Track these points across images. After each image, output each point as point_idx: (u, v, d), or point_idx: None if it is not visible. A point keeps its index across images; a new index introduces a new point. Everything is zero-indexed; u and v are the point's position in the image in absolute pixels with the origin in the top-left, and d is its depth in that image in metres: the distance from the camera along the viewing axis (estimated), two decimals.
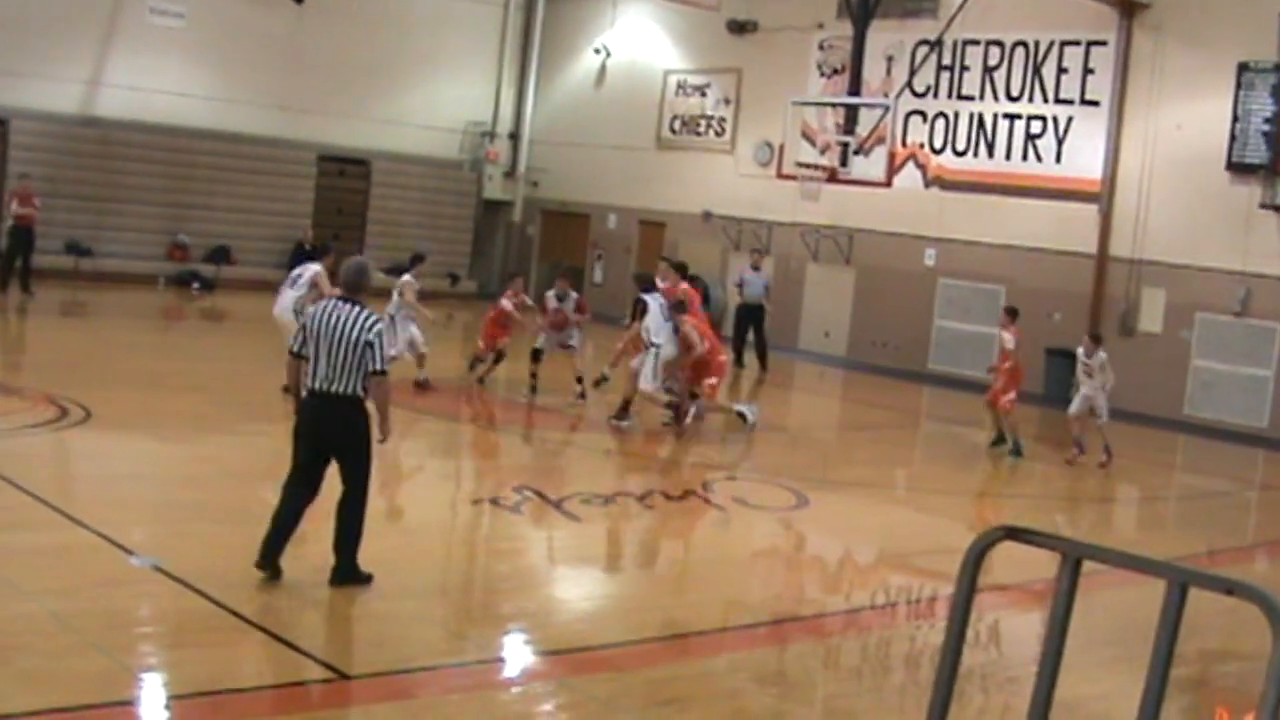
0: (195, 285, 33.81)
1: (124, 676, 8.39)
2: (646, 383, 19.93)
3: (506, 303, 22.72)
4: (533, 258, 40.41)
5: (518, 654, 9.84)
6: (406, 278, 21.48)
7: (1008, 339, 21.35)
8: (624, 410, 20.22)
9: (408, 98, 38.26)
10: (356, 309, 10.24)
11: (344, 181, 37.80)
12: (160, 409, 18.26)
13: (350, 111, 37.13)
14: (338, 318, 10.17)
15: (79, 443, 15.69)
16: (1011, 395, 21.18)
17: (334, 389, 10.14)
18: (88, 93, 33.57)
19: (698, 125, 36.46)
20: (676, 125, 37.00)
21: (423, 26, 38.03)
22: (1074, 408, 21.29)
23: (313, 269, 20.10)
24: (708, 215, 35.61)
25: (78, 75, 33.35)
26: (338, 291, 10.76)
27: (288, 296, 19.80)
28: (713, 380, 20.69)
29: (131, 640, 9.08)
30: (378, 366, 10.18)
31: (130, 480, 14.22)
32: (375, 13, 36.02)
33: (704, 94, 36.31)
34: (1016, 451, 21.14)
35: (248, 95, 35.51)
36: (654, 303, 20.18)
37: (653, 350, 19.87)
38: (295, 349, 10.33)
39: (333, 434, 10.26)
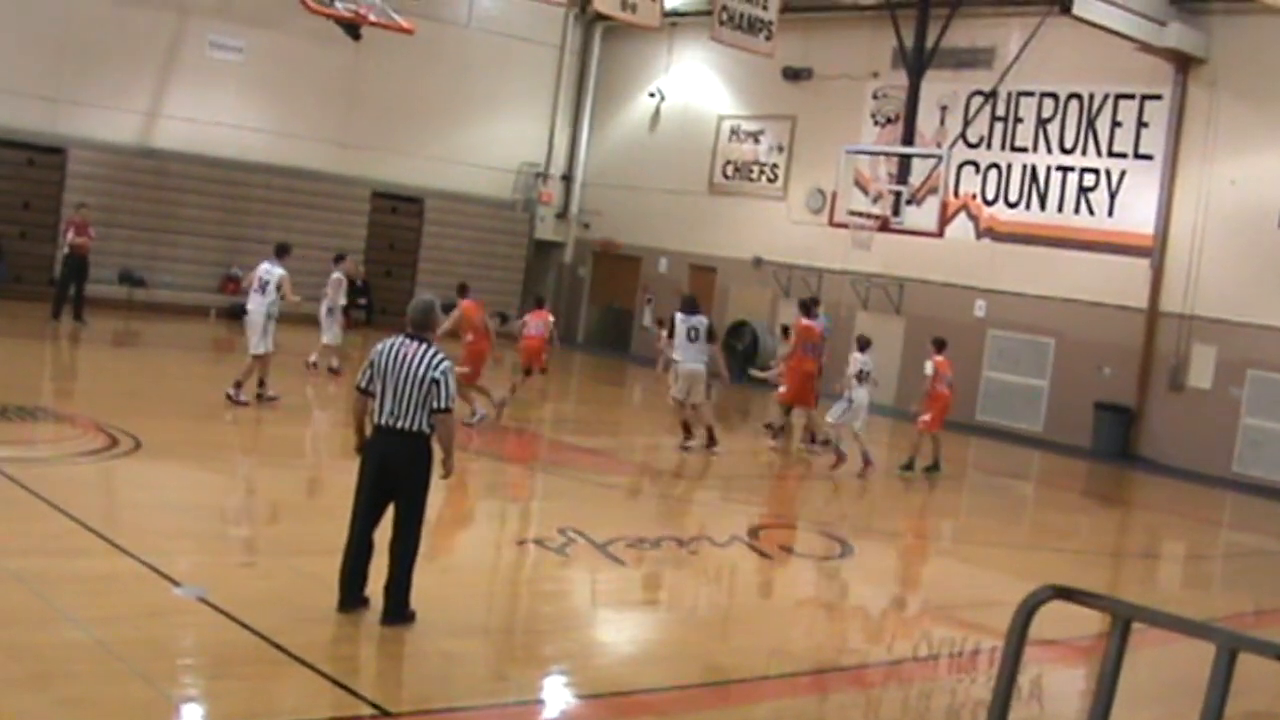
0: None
1: (165, 706, 8.38)
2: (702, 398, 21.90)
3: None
4: (583, 299, 40.46)
5: (558, 696, 9.78)
6: (284, 272, 21.60)
7: (928, 366, 21.81)
8: (710, 438, 21.82)
9: (463, 137, 38.45)
10: (423, 346, 10.27)
11: (397, 219, 37.95)
12: (209, 440, 18.31)
13: (405, 149, 37.35)
14: (405, 354, 10.21)
15: (128, 471, 15.72)
16: (927, 416, 22.09)
17: (400, 425, 10.16)
18: (146, 124, 33.89)
19: (750, 171, 36.50)
20: (729, 170, 37.05)
21: (479, 66, 38.23)
22: (845, 415, 21.78)
23: (278, 273, 20.72)
24: (758, 261, 35.61)
25: (137, 106, 33.69)
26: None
27: (258, 301, 20.20)
28: None
29: (174, 670, 9.07)
30: (443, 404, 10.21)
31: (178, 510, 14.24)
32: (432, 52, 36.17)
33: (758, 140, 36.37)
34: (909, 466, 22.19)
35: (304, 130, 35.77)
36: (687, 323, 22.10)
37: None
38: (362, 385, 10.36)
39: (398, 470, 10.27)
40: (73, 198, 31.46)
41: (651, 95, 39.12)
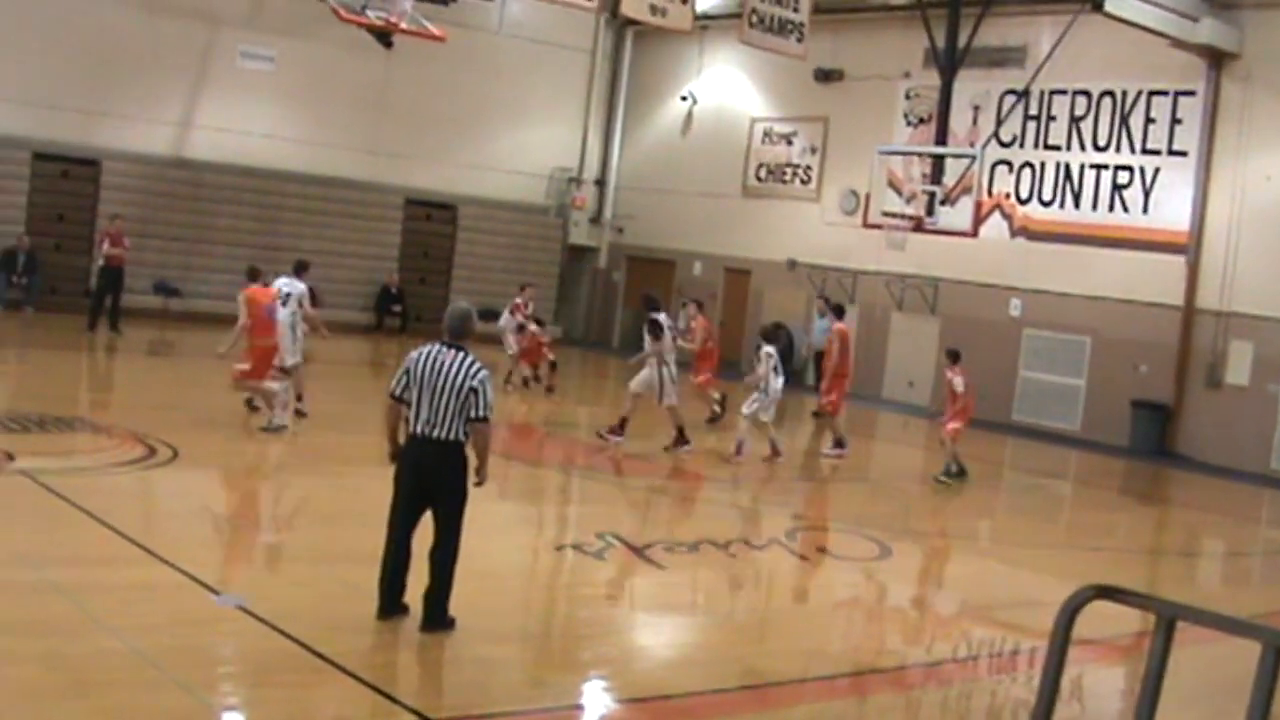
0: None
1: (205, 714, 8.40)
2: (675, 399, 21.53)
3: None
4: (618, 303, 40.44)
5: (597, 701, 9.77)
6: (305, 288, 21.40)
7: (957, 383, 21.28)
8: (680, 437, 21.47)
9: (495, 143, 38.49)
10: (460, 354, 10.28)
11: (431, 226, 38.02)
12: (246, 450, 18.36)
13: (438, 156, 37.41)
14: (442, 362, 10.22)
15: (166, 482, 15.77)
16: (958, 424, 21.41)
17: (436, 434, 10.17)
18: (179, 135, 34.01)
19: (783, 173, 36.45)
20: (762, 173, 37.00)
21: (511, 72, 38.23)
22: (761, 406, 21.30)
23: (300, 288, 20.66)
24: (792, 264, 35.55)
25: (169, 117, 33.82)
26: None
27: (283, 314, 20.16)
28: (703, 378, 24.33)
29: (213, 679, 9.09)
30: (482, 412, 10.23)
31: (216, 519, 14.28)
32: (464, 58, 36.19)
33: (790, 142, 36.32)
34: (957, 473, 21.49)
35: (337, 139, 35.85)
36: (667, 322, 22.01)
37: (667, 368, 21.52)
38: (397, 393, 10.36)
39: (434, 478, 10.27)
40: (107, 209, 31.60)
41: (683, 99, 39.10)
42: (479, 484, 10.53)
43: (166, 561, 11.52)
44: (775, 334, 22.89)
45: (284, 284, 20.69)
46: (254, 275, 20.02)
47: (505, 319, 27.71)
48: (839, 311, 24.29)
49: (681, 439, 21.40)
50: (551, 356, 27.55)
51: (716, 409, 24.87)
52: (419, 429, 10.21)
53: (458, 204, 38.15)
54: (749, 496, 19.76)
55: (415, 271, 37.44)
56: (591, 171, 40.71)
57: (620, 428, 21.47)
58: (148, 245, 32.19)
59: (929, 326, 32.54)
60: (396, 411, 10.44)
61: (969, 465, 21.78)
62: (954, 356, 21.75)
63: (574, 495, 19.13)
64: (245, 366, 19.23)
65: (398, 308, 36.53)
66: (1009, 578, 16.11)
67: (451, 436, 10.19)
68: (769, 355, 21.35)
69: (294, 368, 20.57)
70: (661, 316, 22.02)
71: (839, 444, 23.06)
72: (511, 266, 37.88)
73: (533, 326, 27.34)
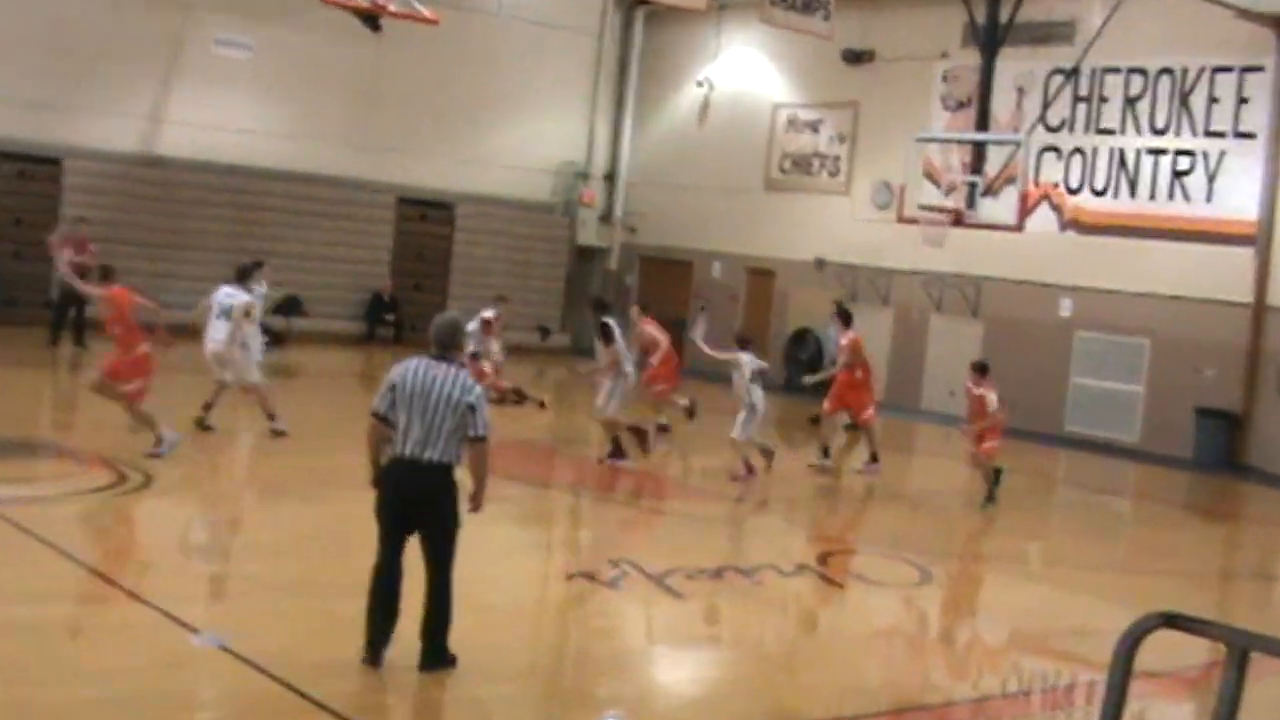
0: (264, 339, 33.95)
1: None
2: (614, 411, 21.42)
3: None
4: (629, 308, 40.38)
5: None
6: (249, 298, 21.47)
7: (991, 399, 21.00)
8: (615, 448, 21.39)
9: (495, 136, 38.52)
10: (452, 368, 10.24)
11: (426, 226, 38.06)
12: (225, 473, 18.38)
13: (433, 150, 37.43)
14: (433, 378, 10.14)
15: (138, 510, 15.79)
16: (994, 443, 21.19)
17: (428, 456, 10.08)
18: (148, 130, 34.02)
19: (810, 164, 36.44)
20: (787, 164, 37.00)
21: (511, 58, 38.26)
22: (751, 424, 21.08)
23: (243, 299, 20.58)
24: (821, 263, 35.52)
25: (137, 111, 33.82)
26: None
27: (222, 329, 20.11)
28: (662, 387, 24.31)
29: None
30: (480, 431, 10.19)
31: (194, 551, 14.29)
32: (460, 43, 36.22)
33: (817, 130, 36.30)
34: (992, 493, 21.20)
35: (321, 133, 35.87)
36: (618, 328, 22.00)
37: (623, 377, 21.52)
38: (381, 411, 10.25)
39: (423, 506, 10.19)
40: (70, 213, 31.57)
41: (700, 85, 39.10)
42: (475, 509, 10.49)
43: (141, 598, 11.52)
44: (751, 339, 22.71)
45: (225, 296, 20.66)
46: (106, 274, 19.48)
47: (474, 331, 27.46)
48: (846, 318, 24.09)
49: (617, 452, 21.36)
50: (505, 386, 27.21)
51: (665, 421, 24.85)
52: (408, 450, 10.12)
53: (455, 202, 38.20)
54: (776, 517, 19.75)
55: (409, 277, 37.47)
56: (600, 165, 40.75)
57: (620, 450, 21.49)
58: (115, 251, 31.95)
59: (971, 330, 32.48)
60: (380, 432, 10.33)
61: (1007, 477, 21.66)
62: (982, 370, 21.55)
63: (585, 519, 19.14)
64: (133, 386, 18.63)
65: (391, 316, 36.54)
66: (1063, 604, 16.06)
67: (443, 459, 10.13)
68: (754, 367, 21.18)
69: (253, 387, 20.63)
70: (613, 321, 22.08)
71: (874, 458, 23.10)
72: (514, 270, 37.93)
73: (494, 350, 26.98)
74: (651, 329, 24.26)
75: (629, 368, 21.84)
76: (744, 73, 38.18)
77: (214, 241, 33.85)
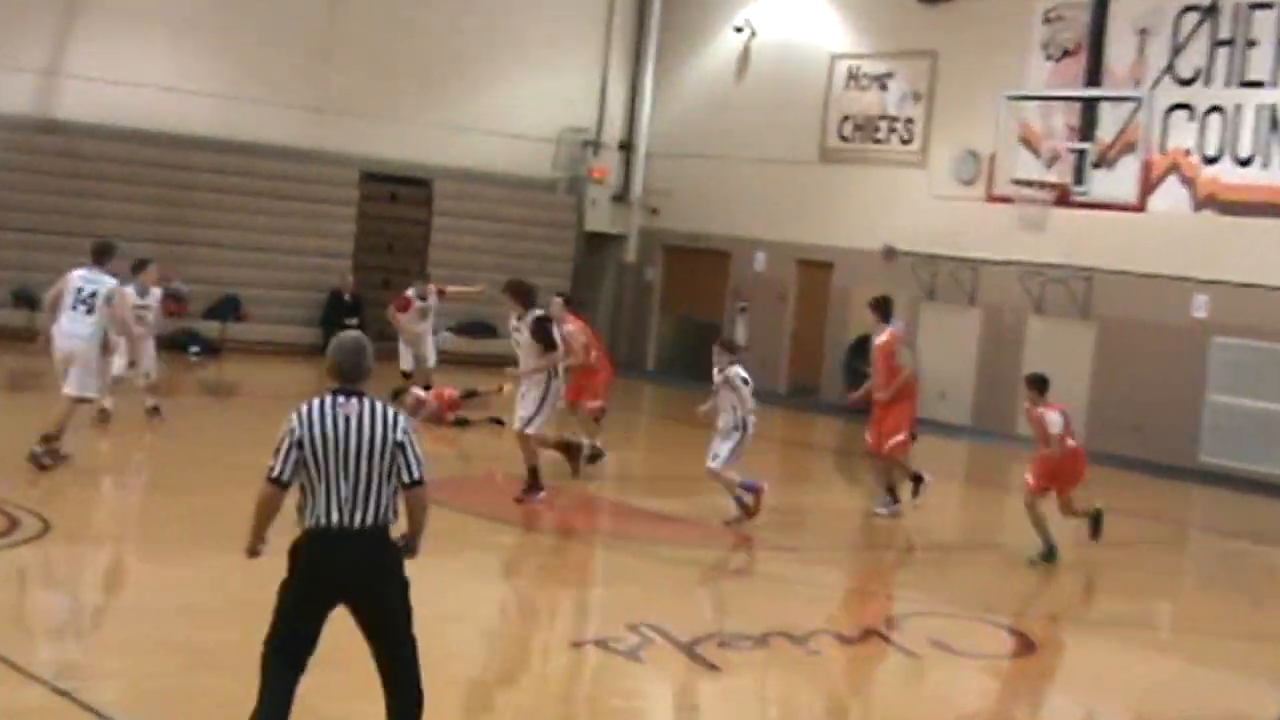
0: (194, 349, 34.03)
1: None
2: (537, 427, 21.04)
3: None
4: (653, 310, 40.34)
5: None
6: (129, 288, 21.50)
7: (1053, 420, 20.74)
8: (536, 482, 20.88)
9: (483, 96, 38.55)
10: (367, 403, 9.78)
11: (396, 208, 38.06)
12: (140, 516, 18.28)
13: (405, 115, 37.47)
14: (348, 419, 9.67)
15: (33, 564, 15.71)
16: (1067, 487, 20.73)
17: (360, 520, 9.63)
18: (43, 87, 34.05)
19: (876, 129, 36.36)
20: (847, 130, 36.93)
21: (503, 2, 38.22)
22: (739, 451, 20.66)
23: (109, 284, 20.33)
24: (890, 252, 35.42)
25: (29, 64, 33.82)
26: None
27: (85, 325, 19.95)
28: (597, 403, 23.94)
29: None
30: (415, 473, 9.80)
31: (103, 615, 14.19)
32: None
33: (885, 86, 36.21)
34: (1048, 554, 20.52)
35: (266, 92, 35.88)
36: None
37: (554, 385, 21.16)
38: (284, 476, 9.67)
39: (366, 584, 9.74)
40: None
41: (738, 30, 39.05)
42: (411, 557, 10.13)
43: (36, 677, 11.43)
44: (735, 345, 22.40)
45: (80, 279, 20.47)
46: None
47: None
48: (885, 311, 23.60)
49: (535, 485, 20.91)
50: (453, 395, 27.28)
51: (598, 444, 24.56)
52: (333, 517, 9.61)
53: (432, 178, 38.33)
54: (833, 570, 19.63)
55: (376, 271, 37.40)
56: (614, 133, 40.82)
57: (536, 484, 21.04)
58: (4, 241, 32.13)
59: (1080, 334, 32.33)
60: (277, 500, 9.76)
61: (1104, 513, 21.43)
62: (1041, 385, 21.30)
63: (595, 571, 19.07)
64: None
65: (353, 321, 36.20)
66: (1202, 681, 15.94)
67: (381, 519, 9.71)
68: (742, 380, 20.89)
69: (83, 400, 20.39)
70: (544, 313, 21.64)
71: (905, 493, 22.73)
72: (506, 263, 37.50)
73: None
74: (576, 329, 23.90)
75: (560, 375, 21.43)
76: (793, 14, 38.14)
77: (130, 228, 33.44)
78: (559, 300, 24.27)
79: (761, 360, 34.99)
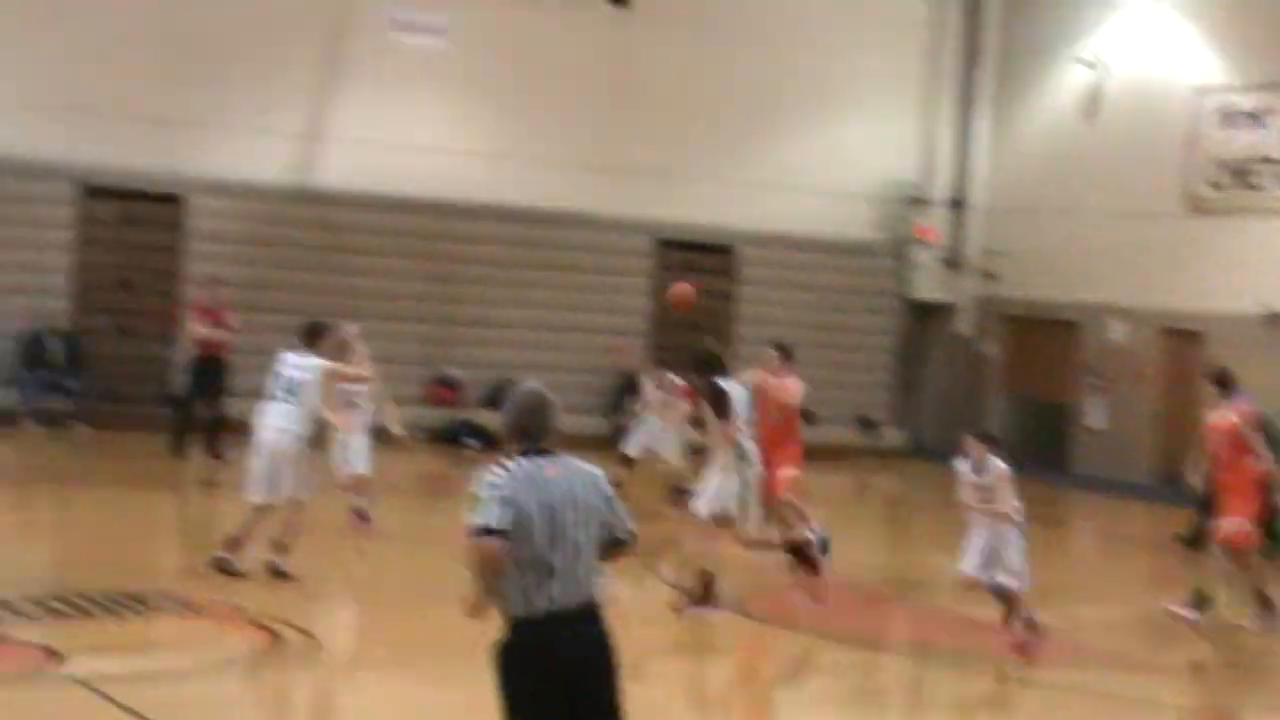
0: (471, 440, 34.14)
1: None
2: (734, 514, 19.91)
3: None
4: (990, 389, 39.97)
5: None
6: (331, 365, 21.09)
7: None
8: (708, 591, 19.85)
9: (789, 149, 38.65)
10: (568, 461, 9.60)
11: (697, 279, 38.02)
12: (424, 634, 18.27)
13: (702, 173, 37.55)
14: (558, 483, 9.44)
15: (299, 686, 15.74)
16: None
17: (580, 599, 9.40)
18: (301, 153, 34.52)
19: (1255, 175, 35.78)
20: (1219, 176, 36.37)
21: (809, 40, 38.40)
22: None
23: (314, 366, 20.21)
24: (1274, 318, 34.78)
25: (287, 128, 34.41)
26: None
27: (282, 416, 19.96)
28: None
29: None
30: (627, 526, 9.70)
31: None
32: (736, 24, 36.39)
33: (1264, 124, 35.63)
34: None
35: (544, 151, 36.16)
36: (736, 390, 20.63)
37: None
38: (498, 524, 9.18)
39: (599, 672, 9.54)
40: (197, 268, 32.03)
41: (1085, 64, 38.67)
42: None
43: None
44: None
45: (289, 366, 20.31)
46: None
47: None
48: (1225, 385, 22.70)
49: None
50: None
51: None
52: (556, 598, 9.31)
53: (735, 244, 38.32)
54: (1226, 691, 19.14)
55: (673, 351, 37.37)
56: (943, 187, 40.56)
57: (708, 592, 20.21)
58: (257, 322, 32.42)
59: None
60: (503, 554, 9.23)
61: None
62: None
63: (937, 695, 18.67)
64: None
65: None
66: None
67: (597, 595, 9.49)
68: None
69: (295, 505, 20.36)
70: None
71: (1269, 606, 21.65)
72: (820, 338, 37.49)
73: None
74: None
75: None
76: (1149, 42, 37.69)
77: (395, 307, 34.15)
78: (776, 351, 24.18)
79: (1120, 446, 34.55)
